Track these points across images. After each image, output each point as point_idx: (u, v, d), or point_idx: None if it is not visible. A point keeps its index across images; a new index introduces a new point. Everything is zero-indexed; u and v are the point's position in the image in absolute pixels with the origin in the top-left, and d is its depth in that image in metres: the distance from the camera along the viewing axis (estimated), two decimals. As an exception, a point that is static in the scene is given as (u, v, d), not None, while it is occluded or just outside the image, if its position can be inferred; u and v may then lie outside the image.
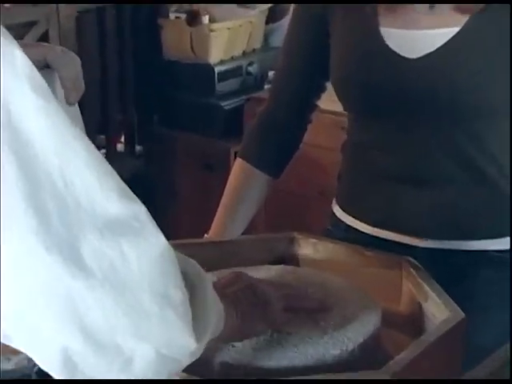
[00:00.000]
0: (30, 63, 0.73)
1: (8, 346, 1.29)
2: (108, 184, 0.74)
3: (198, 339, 0.80)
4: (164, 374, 0.80)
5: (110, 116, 3.39)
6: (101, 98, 3.34)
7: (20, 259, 0.71)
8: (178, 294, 0.78)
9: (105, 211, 0.73)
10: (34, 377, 1.22)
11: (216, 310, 0.88)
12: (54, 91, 0.93)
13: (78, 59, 1.02)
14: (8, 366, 1.26)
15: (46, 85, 0.74)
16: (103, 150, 3.38)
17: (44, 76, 0.94)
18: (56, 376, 0.77)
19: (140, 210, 0.76)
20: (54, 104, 0.74)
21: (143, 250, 0.75)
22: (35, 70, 0.74)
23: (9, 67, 0.71)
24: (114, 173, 0.76)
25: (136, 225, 0.75)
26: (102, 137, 3.37)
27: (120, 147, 3.50)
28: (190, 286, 0.82)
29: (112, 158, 3.32)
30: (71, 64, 0.98)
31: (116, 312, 0.73)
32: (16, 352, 1.26)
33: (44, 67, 0.97)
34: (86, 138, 0.76)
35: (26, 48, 0.75)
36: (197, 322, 0.81)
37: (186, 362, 0.82)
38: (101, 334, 0.74)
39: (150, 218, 0.77)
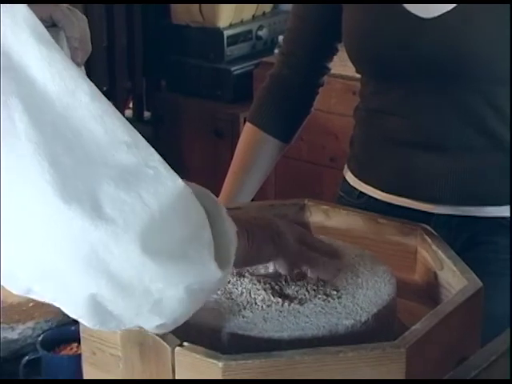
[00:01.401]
0: (33, 14, 0.73)
1: (12, 316, 1.28)
2: (115, 134, 0.74)
3: (222, 268, 0.82)
4: (192, 309, 0.83)
5: (117, 82, 3.37)
6: (109, 64, 3.33)
7: (39, 213, 0.71)
8: (202, 231, 0.80)
9: (116, 162, 0.74)
10: (38, 346, 1.20)
11: (234, 235, 0.89)
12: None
13: (85, 19, 0.98)
14: (12, 335, 1.24)
15: (49, 36, 0.73)
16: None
17: (51, 35, 0.90)
18: (87, 323, 0.78)
19: (151, 155, 0.76)
20: (59, 54, 0.73)
21: (162, 195, 0.75)
22: (37, 20, 0.73)
23: (8, 16, 0.71)
24: (122, 119, 0.76)
25: (150, 172, 0.75)
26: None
27: (128, 113, 3.49)
28: (209, 217, 0.83)
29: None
30: (78, 23, 0.95)
31: (142, 258, 0.74)
32: (20, 321, 1.24)
33: (50, 26, 0.94)
34: (93, 86, 0.75)
35: (31, 7, 0.73)
36: (219, 251, 0.82)
37: (214, 291, 0.87)
38: (128, 279, 0.74)
39: (162, 161, 0.77)
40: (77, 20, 0.96)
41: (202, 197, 0.85)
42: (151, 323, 0.81)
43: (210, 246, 0.81)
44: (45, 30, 0.73)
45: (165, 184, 0.76)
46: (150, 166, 0.76)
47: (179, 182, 0.78)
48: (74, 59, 0.95)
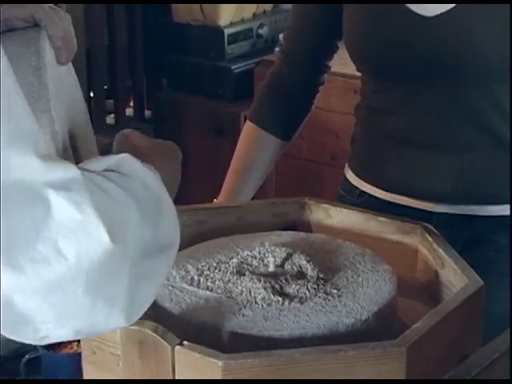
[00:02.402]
0: None
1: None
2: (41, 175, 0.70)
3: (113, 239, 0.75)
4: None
5: (118, 80, 3.36)
6: (109, 63, 3.32)
7: None
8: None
9: (43, 205, 0.69)
10: (39, 347, 1.20)
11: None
12: (43, 51, 0.89)
13: (69, 16, 0.97)
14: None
15: None
16: (112, 115, 3.36)
17: (32, 35, 0.89)
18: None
19: (86, 201, 0.71)
20: None
21: (84, 246, 0.71)
22: None
23: None
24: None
25: (78, 217, 0.70)
26: (111, 101, 3.36)
27: (129, 112, 3.49)
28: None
29: (121, 122, 3.32)
30: (61, 22, 0.94)
31: (41, 307, 0.72)
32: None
33: (32, 26, 0.93)
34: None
35: (11, 8, 0.71)
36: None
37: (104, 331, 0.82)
38: (23, 320, 0.73)
39: (97, 209, 0.72)
40: (59, 19, 0.95)
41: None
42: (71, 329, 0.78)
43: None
44: None
45: (90, 236, 0.71)
46: (80, 211, 0.71)
47: (105, 236, 0.72)
48: (58, 58, 0.94)
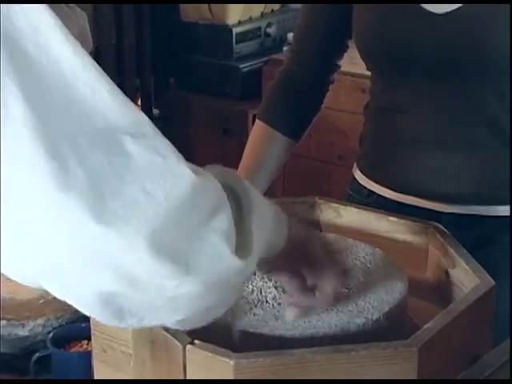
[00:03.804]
0: None
1: (23, 312, 1.27)
2: (118, 122, 0.71)
3: (242, 257, 0.78)
4: (215, 303, 0.79)
5: (126, 79, 3.36)
6: (117, 62, 3.32)
7: (40, 208, 0.67)
8: (214, 221, 0.75)
9: (123, 151, 0.70)
10: (48, 343, 1.20)
11: (270, 223, 0.85)
12: None
13: (85, 14, 0.98)
14: (22, 332, 1.24)
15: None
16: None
17: None
18: (100, 319, 0.75)
19: (160, 142, 0.73)
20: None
21: (171, 188, 0.71)
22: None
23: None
24: (128, 102, 0.74)
25: (158, 160, 0.71)
26: (119, 100, 3.35)
27: (137, 111, 3.48)
28: (238, 201, 0.80)
29: (129, 121, 3.30)
30: (77, 20, 0.94)
31: (152, 258, 0.70)
32: (30, 318, 1.24)
33: None
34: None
35: None
36: (242, 237, 0.78)
37: (238, 283, 0.81)
38: (136, 276, 0.71)
39: (172, 151, 0.74)
40: (76, 17, 0.94)
41: (232, 181, 0.82)
42: (170, 318, 0.78)
43: (224, 235, 0.76)
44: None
45: (173, 174, 0.72)
46: (160, 154, 0.72)
47: (188, 172, 0.74)
48: None
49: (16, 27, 0.68)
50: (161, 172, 0.71)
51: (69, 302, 0.74)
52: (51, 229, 0.68)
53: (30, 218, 0.68)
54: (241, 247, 0.79)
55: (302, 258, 0.96)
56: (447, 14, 1.35)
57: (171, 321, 0.79)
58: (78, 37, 0.93)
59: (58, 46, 0.70)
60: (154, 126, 0.74)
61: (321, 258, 0.97)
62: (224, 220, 0.76)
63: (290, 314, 0.98)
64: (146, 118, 0.74)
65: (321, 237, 1.02)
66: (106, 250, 0.69)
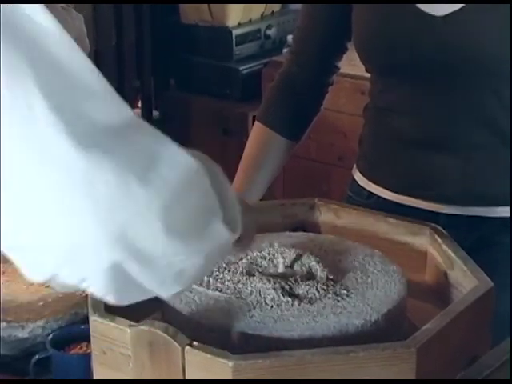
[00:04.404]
0: None
1: (22, 314, 1.28)
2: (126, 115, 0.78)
3: (233, 231, 0.86)
4: (207, 274, 0.95)
5: (126, 81, 3.37)
6: (117, 63, 3.33)
7: (60, 184, 0.71)
8: (210, 199, 0.82)
9: (138, 142, 0.76)
10: (48, 345, 1.20)
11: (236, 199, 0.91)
12: None
13: (81, 16, 0.98)
14: (22, 333, 1.24)
15: None
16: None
17: None
18: (112, 297, 0.79)
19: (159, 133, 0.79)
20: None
21: (179, 170, 0.77)
22: None
23: None
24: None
25: (162, 148, 0.78)
26: (119, 102, 3.35)
27: (137, 112, 3.48)
28: (213, 182, 0.86)
29: (129, 123, 3.30)
30: (73, 22, 0.94)
31: (166, 236, 0.76)
32: (30, 320, 1.24)
33: None
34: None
35: None
36: (227, 214, 0.85)
37: (228, 254, 0.94)
38: (151, 254, 0.76)
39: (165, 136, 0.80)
40: (72, 19, 0.94)
41: (205, 162, 0.87)
42: (171, 291, 0.84)
43: (218, 212, 0.83)
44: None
45: (179, 159, 0.78)
46: (161, 143, 0.79)
47: (187, 156, 0.80)
48: None
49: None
50: (170, 156, 0.77)
51: (84, 285, 0.77)
52: (75, 209, 0.72)
53: (52, 200, 0.71)
54: (230, 220, 0.86)
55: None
56: (446, 16, 1.35)
57: (169, 293, 0.84)
58: (76, 39, 0.93)
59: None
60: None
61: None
62: (215, 199, 0.83)
63: None
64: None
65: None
66: (127, 231, 0.73)
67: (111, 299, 0.80)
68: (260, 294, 1.03)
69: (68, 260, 0.75)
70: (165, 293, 0.84)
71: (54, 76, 0.71)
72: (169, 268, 0.79)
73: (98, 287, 0.78)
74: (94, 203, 0.72)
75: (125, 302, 0.82)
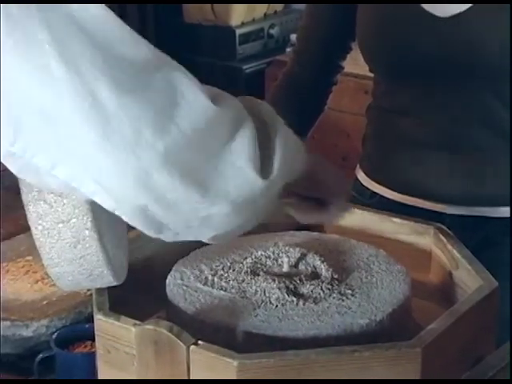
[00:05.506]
0: None
1: (26, 313, 1.28)
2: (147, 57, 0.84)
3: (264, 177, 0.84)
4: (243, 222, 0.87)
5: (129, 80, 3.36)
6: (121, 62, 3.32)
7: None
8: (239, 141, 0.82)
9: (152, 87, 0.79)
10: (52, 344, 1.20)
11: (291, 148, 0.91)
12: None
13: None
14: (26, 332, 1.24)
15: None
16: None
17: None
18: (144, 230, 0.83)
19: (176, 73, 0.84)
20: None
21: (192, 115, 0.79)
22: None
23: None
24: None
25: (177, 93, 0.80)
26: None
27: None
28: (260, 120, 0.86)
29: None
30: None
31: (184, 185, 0.78)
32: (34, 319, 1.24)
33: None
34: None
35: None
36: (263, 160, 0.84)
37: (262, 203, 0.87)
38: (173, 201, 0.79)
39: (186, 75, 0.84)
40: None
41: (259, 105, 0.90)
42: (204, 235, 0.86)
43: (247, 157, 0.82)
44: None
45: (193, 103, 0.80)
46: (172, 89, 0.81)
47: (203, 97, 0.81)
48: None
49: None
50: (185, 102, 0.79)
51: (117, 213, 0.81)
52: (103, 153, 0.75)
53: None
54: (265, 167, 0.85)
55: (313, 186, 1.03)
56: (450, 17, 1.35)
57: (205, 237, 0.87)
58: None
59: None
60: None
61: (330, 187, 1.06)
62: (246, 142, 0.82)
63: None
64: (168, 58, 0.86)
65: (331, 165, 1.09)
66: (145, 177, 0.76)
67: (145, 232, 0.83)
68: (265, 294, 1.03)
69: (98, 189, 0.78)
70: (198, 236, 0.86)
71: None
72: (193, 213, 0.81)
73: (129, 218, 0.81)
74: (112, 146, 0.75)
75: (169, 239, 0.85)
